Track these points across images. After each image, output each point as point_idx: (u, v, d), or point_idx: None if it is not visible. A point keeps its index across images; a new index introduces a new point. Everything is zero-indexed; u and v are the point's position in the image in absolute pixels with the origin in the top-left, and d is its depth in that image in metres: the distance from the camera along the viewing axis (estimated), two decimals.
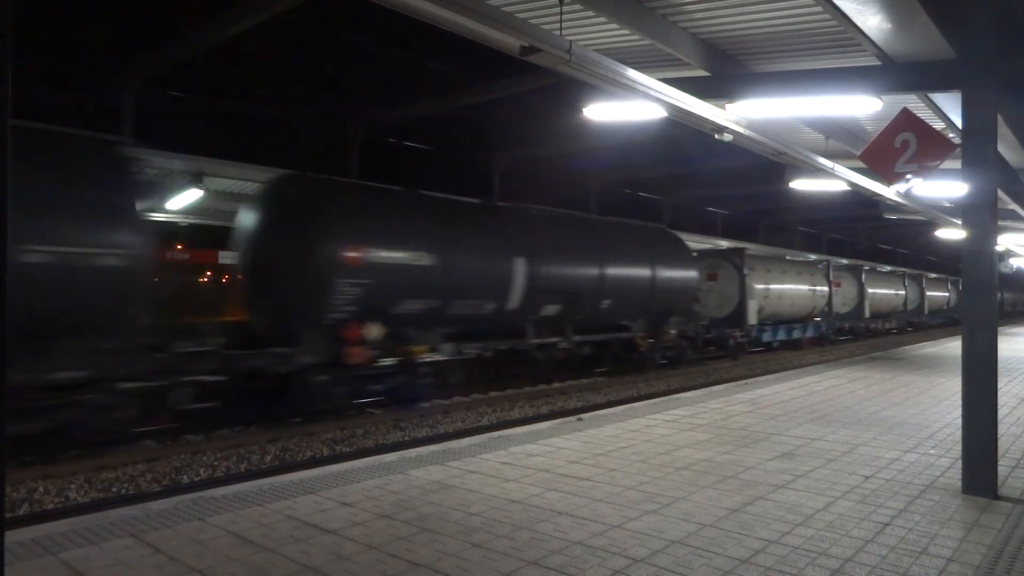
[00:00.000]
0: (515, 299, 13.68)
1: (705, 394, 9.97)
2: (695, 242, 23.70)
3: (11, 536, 4.01)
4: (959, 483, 5.16)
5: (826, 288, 27.44)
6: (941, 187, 11.07)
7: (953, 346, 19.19)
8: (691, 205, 30.95)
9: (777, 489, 5.08)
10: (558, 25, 5.79)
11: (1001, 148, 9.52)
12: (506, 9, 5.69)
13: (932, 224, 20.04)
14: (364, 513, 4.52)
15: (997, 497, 4.96)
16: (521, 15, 5.76)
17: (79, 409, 8.14)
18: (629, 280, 16.73)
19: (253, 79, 16.22)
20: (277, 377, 10.35)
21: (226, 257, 13.78)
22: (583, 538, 4.05)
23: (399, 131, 20.35)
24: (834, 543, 3.99)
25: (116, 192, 8.30)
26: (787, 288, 24.53)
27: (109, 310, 8.17)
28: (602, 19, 5.99)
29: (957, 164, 5.79)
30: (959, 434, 5.33)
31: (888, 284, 35.52)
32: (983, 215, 5.22)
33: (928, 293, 41.00)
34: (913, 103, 7.64)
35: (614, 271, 16.22)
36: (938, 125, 8.20)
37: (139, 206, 8.47)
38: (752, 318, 22.03)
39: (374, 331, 11.12)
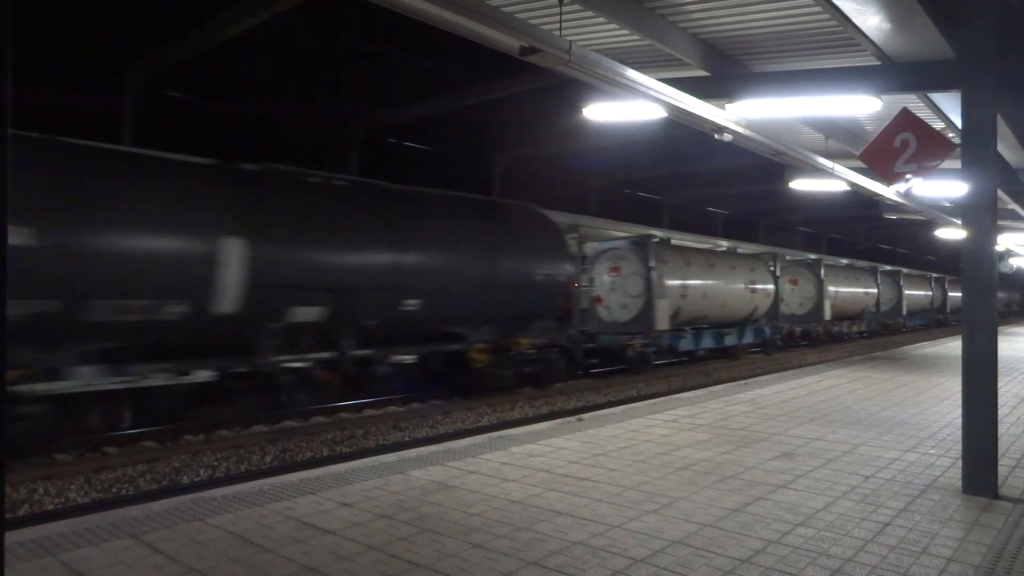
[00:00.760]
0: (229, 298, 9.56)
1: (705, 394, 9.97)
2: (613, 228, 20.13)
3: (11, 536, 4.01)
4: (959, 483, 5.16)
5: (771, 285, 23.07)
6: (941, 187, 11.07)
7: (953, 346, 19.19)
8: (691, 205, 30.96)
9: (777, 489, 5.08)
10: (558, 25, 5.79)
11: (1001, 148, 9.52)
12: (506, 9, 5.69)
13: (926, 223, 20.05)
14: (364, 513, 4.52)
15: (997, 497, 4.96)
16: (521, 15, 5.76)
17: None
18: (452, 273, 12.52)
19: (253, 79, 16.22)
20: None
21: None
22: (583, 538, 4.05)
23: (399, 131, 20.35)
24: (834, 543, 3.99)
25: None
26: (714, 285, 20.18)
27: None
28: (602, 19, 5.99)
29: (957, 164, 5.79)
30: (959, 434, 5.33)
31: (856, 281, 31.17)
32: (983, 215, 5.22)
33: (907, 292, 36.97)
34: (913, 103, 7.65)
35: (424, 260, 11.98)
36: (938, 125, 8.20)
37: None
38: (662, 322, 17.86)
39: None
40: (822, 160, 9.56)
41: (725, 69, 6.84)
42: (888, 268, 36.26)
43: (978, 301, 5.21)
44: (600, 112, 7.00)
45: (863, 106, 6.60)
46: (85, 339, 8.58)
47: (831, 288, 27.75)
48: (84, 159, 8.80)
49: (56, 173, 8.37)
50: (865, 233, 42.32)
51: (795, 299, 26.63)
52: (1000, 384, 5.27)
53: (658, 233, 20.32)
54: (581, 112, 7.21)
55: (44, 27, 12.32)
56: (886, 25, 5.64)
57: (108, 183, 8.80)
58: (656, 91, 6.06)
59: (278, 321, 10.28)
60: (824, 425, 7.56)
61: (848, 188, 11.35)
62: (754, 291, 21.94)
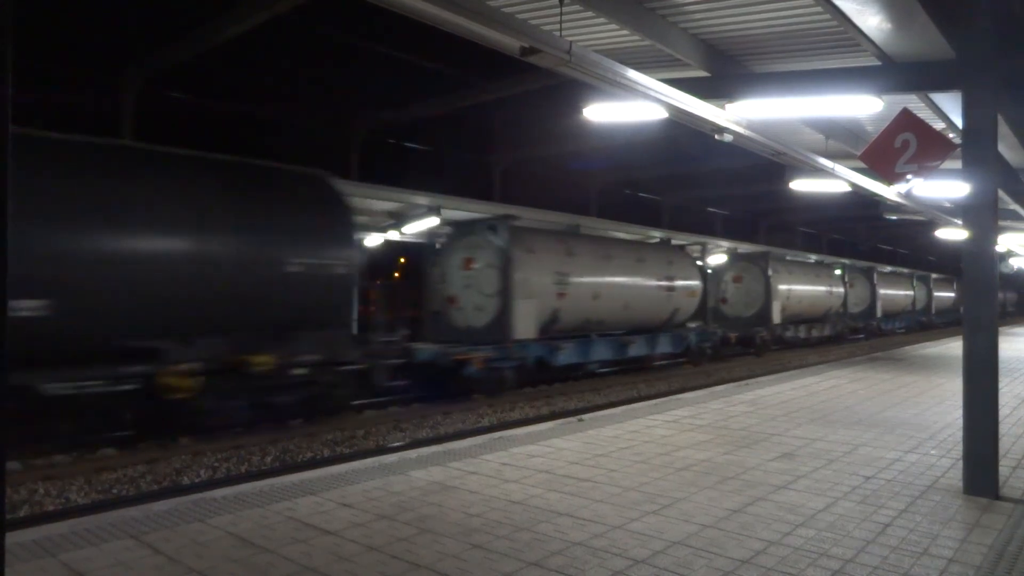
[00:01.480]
0: None
1: (706, 395, 9.96)
2: (473, 209, 14.66)
3: (12, 537, 4.00)
4: (960, 483, 5.16)
5: (695, 282, 19.62)
6: (942, 187, 11.06)
7: (954, 346, 19.18)
8: (691, 205, 30.96)
9: (778, 490, 5.07)
10: (558, 26, 5.79)
11: (1001, 148, 9.51)
12: (506, 10, 5.68)
13: (915, 222, 19.98)
14: (365, 514, 4.51)
15: (998, 497, 4.95)
16: (521, 16, 5.76)
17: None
18: (119, 260, 8.70)
19: (254, 79, 16.23)
20: None
21: None
22: (584, 539, 4.04)
23: (399, 131, 20.37)
24: (835, 544, 3.98)
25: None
26: (611, 282, 16.07)
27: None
28: (602, 20, 5.99)
29: (958, 164, 5.79)
30: (960, 434, 5.33)
31: (817, 279, 27.20)
32: (984, 215, 5.22)
33: (883, 292, 33.60)
34: (913, 103, 7.64)
35: (58, 241, 8.20)
36: (938, 125, 8.19)
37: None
38: (524, 328, 13.59)
39: None
40: (822, 160, 9.55)
41: (725, 69, 6.83)
42: (860, 264, 32.79)
43: (979, 301, 5.21)
44: (600, 112, 7.00)
45: (864, 106, 6.59)
46: None
47: (782, 286, 23.84)
48: None
49: None
50: (865, 233, 42.10)
51: (739, 299, 23.18)
52: (1001, 385, 5.26)
53: (520, 212, 14.84)
54: (581, 113, 7.20)
55: (44, 27, 12.32)
56: (886, 25, 5.64)
57: None
58: (656, 91, 6.05)
59: None
60: (825, 426, 7.55)
61: (849, 188, 11.33)
62: (671, 289, 18.08)
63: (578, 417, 8.05)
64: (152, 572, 3.57)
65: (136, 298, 8.84)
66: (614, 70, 5.55)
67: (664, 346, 18.73)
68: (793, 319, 25.35)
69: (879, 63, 6.39)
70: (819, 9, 5.53)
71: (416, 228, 13.98)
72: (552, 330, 14.76)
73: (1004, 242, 19.45)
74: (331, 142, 18.62)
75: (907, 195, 12.30)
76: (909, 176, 5.98)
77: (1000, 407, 5.26)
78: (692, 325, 20.24)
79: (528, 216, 15.21)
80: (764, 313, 23.08)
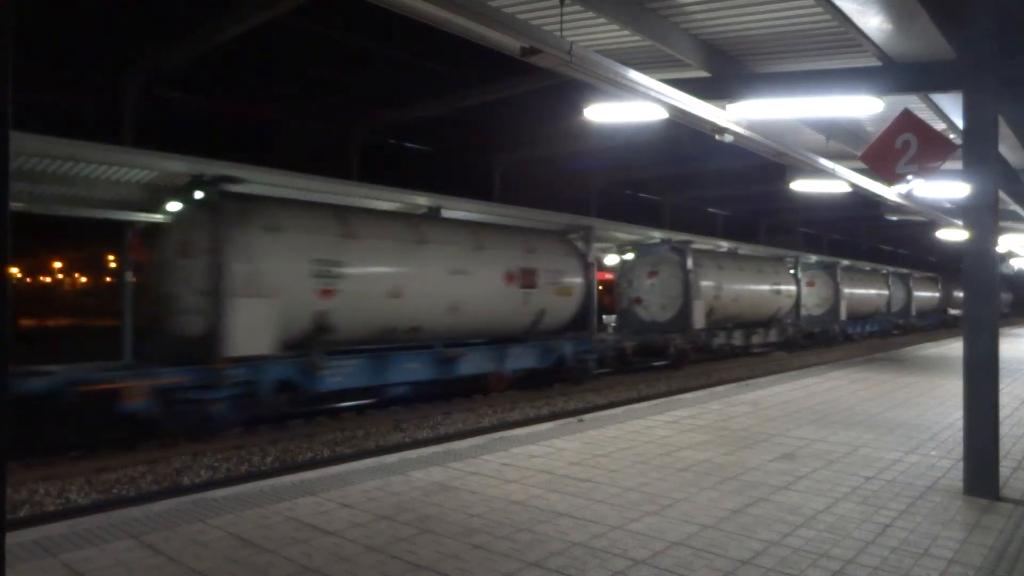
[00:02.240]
0: None
1: (706, 395, 9.96)
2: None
3: (12, 537, 4.00)
4: (961, 484, 5.15)
5: (577, 279, 15.21)
6: (942, 188, 11.06)
7: (955, 347, 19.18)
8: (692, 206, 30.96)
9: (778, 490, 5.07)
10: (559, 26, 5.79)
11: (1002, 149, 9.51)
12: (506, 10, 5.68)
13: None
14: (365, 514, 4.51)
15: (999, 498, 4.95)
16: (521, 16, 5.76)
17: None
18: None
19: (254, 80, 16.24)
20: None
21: None
22: (584, 539, 4.04)
23: (400, 132, 20.38)
24: (835, 544, 3.98)
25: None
26: (407, 271, 11.72)
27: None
28: (603, 20, 5.99)
29: (958, 164, 5.79)
30: (960, 435, 5.32)
31: (759, 276, 22.62)
32: (984, 216, 5.22)
33: (849, 291, 28.99)
34: (914, 104, 7.64)
35: None
36: (939, 126, 8.19)
37: None
38: (249, 342, 9.71)
39: None
40: (823, 161, 9.55)
41: (726, 70, 6.83)
42: (816, 259, 28.00)
43: (979, 302, 5.21)
44: (601, 113, 7.00)
45: (864, 107, 6.59)
46: None
47: (708, 283, 19.57)
48: None
49: None
50: (867, 233, 42.08)
51: (654, 300, 18.81)
52: (1001, 385, 5.26)
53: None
54: (582, 113, 7.20)
55: (45, 28, 12.32)
56: (887, 26, 5.64)
57: None
58: (657, 92, 6.05)
59: None
60: (825, 426, 7.55)
61: (849, 189, 11.34)
62: (528, 294, 13.90)
63: (578, 417, 8.05)
64: (152, 572, 3.57)
65: None
66: (615, 70, 5.55)
67: (515, 361, 14.18)
68: (725, 322, 20.83)
69: (880, 63, 6.39)
70: (820, 9, 5.53)
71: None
72: (341, 336, 11.17)
73: (1004, 243, 19.46)
74: (331, 142, 18.64)
75: (907, 196, 12.30)
76: (909, 177, 5.98)
77: (1000, 408, 5.25)
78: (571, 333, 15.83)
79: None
80: (683, 316, 18.44)
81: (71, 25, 13.00)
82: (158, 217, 10.38)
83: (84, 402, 8.71)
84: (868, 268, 33.42)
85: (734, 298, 21.10)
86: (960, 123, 5.96)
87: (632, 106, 6.58)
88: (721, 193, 28.82)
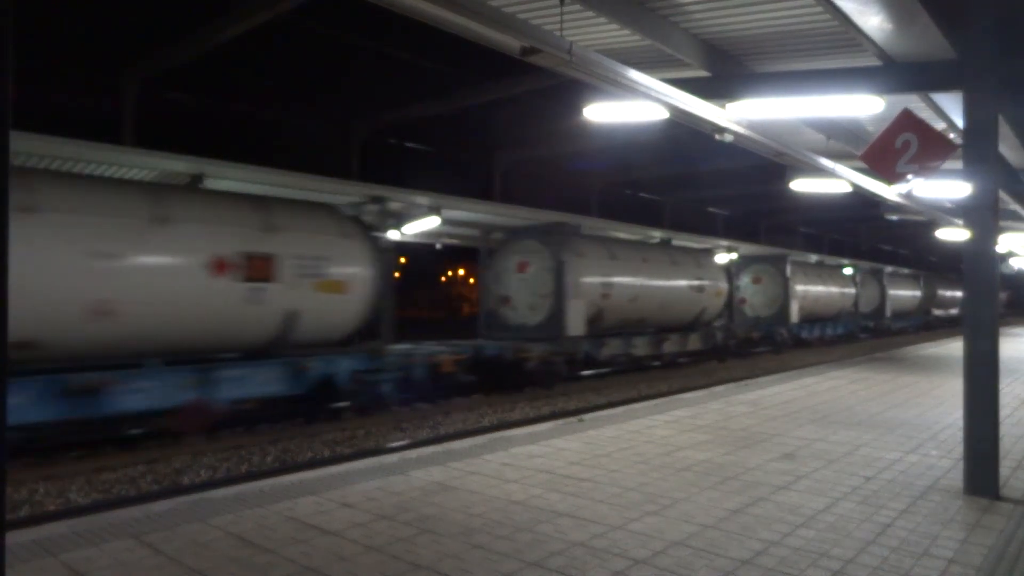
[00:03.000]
0: None
1: (706, 395, 9.96)
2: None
3: (12, 537, 4.00)
4: (961, 484, 5.15)
5: (361, 269, 11.42)
6: (942, 188, 11.06)
7: (955, 347, 19.17)
8: (692, 206, 30.95)
9: (778, 490, 5.07)
10: (559, 26, 5.78)
11: (1002, 148, 9.51)
12: (506, 9, 5.68)
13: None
14: (365, 514, 4.51)
15: (999, 498, 4.95)
16: (521, 16, 5.76)
17: None
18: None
19: (254, 79, 16.23)
20: None
21: None
22: (584, 539, 4.04)
23: (400, 131, 20.37)
24: (836, 544, 3.98)
25: None
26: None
27: None
28: (603, 19, 5.99)
29: (958, 164, 5.78)
30: (961, 435, 5.32)
31: (661, 272, 18.22)
32: (984, 215, 5.21)
33: (802, 288, 25.41)
34: (914, 103, 7.64)
35: None
36: (939, 125, 8.18)
37: None
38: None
39: None
40: (823, 160, 9.55)
41: (726, 69, 6.83)
42: (755, 251, 23.78)
43: (980, 302, 5.20)
44: (601, 113, 7.00)
45: (864, 107, 6.59)
46: None
47: (591, 280, 15.58)
48: None
49: None
50: (868, 233, 41.70)
51: (522, 300, 15.41)
52: (1001, 385, 5.26)
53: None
54: (582, 113, 7.20)
55: (45, 27, 12.32)
56: (887, 25, 5.64)
57: None
58: (657, 91, 6.05)
59: None
60: (825, 426, 7.55)
61: (850, 189, 11.33)
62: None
63: (578, 417, 8.04)
64: (152, 572, 3.57)
65: None
66: (615, 70, 5.55)
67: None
68: (617, 328, 17.43)
69: (880, 63, 6.38)
70: (820, 9, 5.53)
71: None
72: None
73: (1005, 243, 19.46)
74: (331, 142, 18.63)
75: (907, 195, 12.30)
76: (910, 176, 5.98)
77: (1000, 407, 5.25)
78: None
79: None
80: (554, 321, 15.00)
81: (71, 25, 12.99)
82: None
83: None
84: (822, 262, 29.31)
85: (632, 300, 17.14)
86: (960, 122, 5.95)
87: (632, 106, 6.58)
88: (721, 193, 28.78)
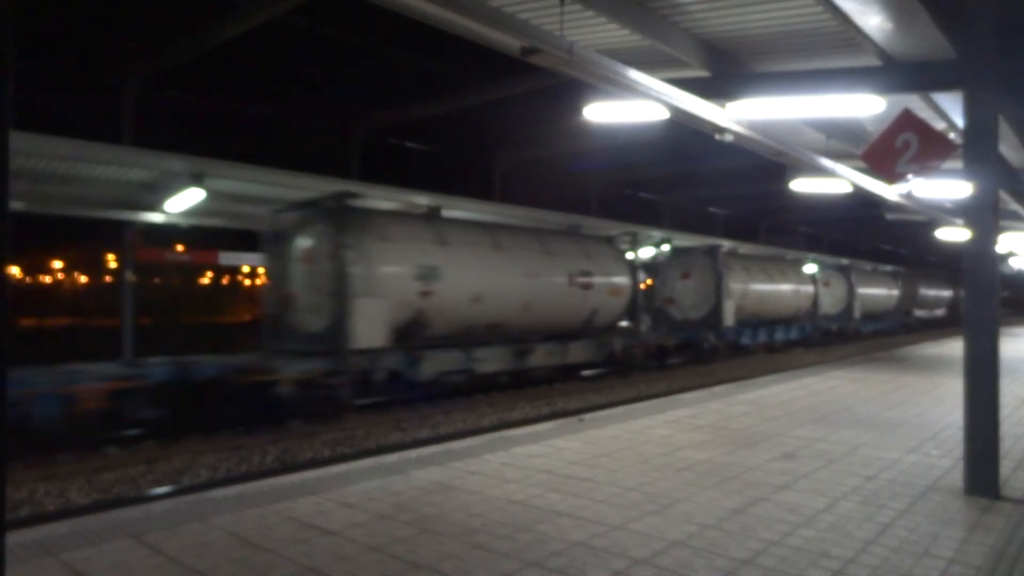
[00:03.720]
0: None
1: (706, 395, 9.96)
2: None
3: (12, 537, 4.00)
4: (961, 484, 5.15)
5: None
6: (942, 187, 11.06)
7: (955, 347, 19.17)
8: (692, 205, 30.95)
9: (779, 490, 5.07)
10: (559, 25, 5.78)
11: (1002, 148, 9.50)
12: (506, 9, 5.68)
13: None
14: (365, 514, 4.51)
15: (999, 498, 4.95)
16: (521, 16, 5.75)
17: None
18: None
19: (254, 80, 16.24)
20: None
21: None
22: (584, 539, 4.04)
23: (400, 132, 20.37)
24: (836, 544, 3.98)
25: None
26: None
27: None
28: (603, 19, 5.98)
29: (958, 164, 5.78)
30: (961, 435, 5.32)
31: (549, 267, 14.68)
32: (985, 215, 5.21)
33: (736, 286, 21.15)
34: (914, 103, 7.63)
35: None
36: (939, 125, 8.18)
37: None
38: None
39: None
40: (823, 160, 9.55)
41: (726, 69, 6.83)
42: (687, 244, 20.11)
43: (980, 302, 5.20)
44: (601, 112, 7.00)
45: (864, 106, 6.59)
46: None
47: (395, 270, 11.90)
48: None
49: None
50: (869, 234, 41.42)
51: (306, 300, 11.92)
52: (1001, 385, 5.26)
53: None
54: (582, 113, 7.20)
55: (45, 27, 12.32)
56: (887, 25, 5.63)
57: None
58: (657, 91, 6.05)
59: None
60: (826, 426, 7.55)
61: (851, 189, 11.33)
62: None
63: (579, 417, 8.04)
64: (152, 572, 3.57)
65: None
66: (615, 70, 5.55)
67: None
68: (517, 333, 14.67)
69: (880, 63, 6.38)
70: (820, 9, 5.52)
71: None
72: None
73: (1005, 243, 19.45)
74: (331, 142, 18.64)
75: (907, 195, 12.30)
76: (910, 176, 5.98)
77: (1000, 407, 5.25)
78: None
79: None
80: (417, 326, 12.33)
81: (71, 25, 12.99)
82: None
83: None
84: (773, 256, 25.30)
85: (473, 297, 13.42)
86: (960, 122, 5.95)
87: (632, 106, 6.58)
88: (721, 193, 28.76)
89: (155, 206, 10.79)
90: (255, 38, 12.72)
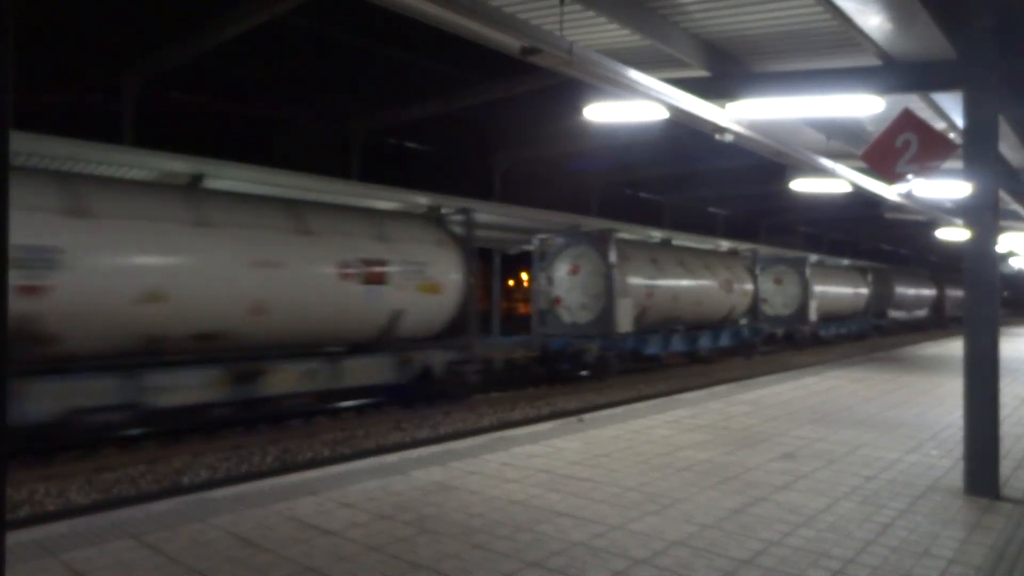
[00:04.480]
0: None
1: (706, 395, 9.96)
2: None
3: (12, 537, 4.00)
4: (961, 484, 5.15)
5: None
6: (942, 187, 11.06)
7: (955, 347, 19.18)
8: (692, 205, 30.95)
9: (779, 490, 5.07)
10: (559, 25, 5.78)
11: (1002, 148, 9.50)
12: (506, 9, 5.68)
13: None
14: (365, 514, 4.51)
15: (999, 498, 4.95)
16: (521, 16, 5.75)
17: None
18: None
19: (253, 80, 16.23)
20: None
21: None
22: (584, 539, 4.04)
23: (400, 132, 20.36)
24: (836, 544, 3.98)
25: None
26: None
27: None
28: (603, 19, 5.98)
29: (958, 164, 5.78)
30: (961, 435, 5.32)
31: (419, 257, 12.01)
32: (985, 215, 5.21)
33: (638, 282, 16.81)
34: (914, 103, 7.63)
35: None
36: (939, 125, 8.18)
37: None
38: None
39: None
40: (823, 160, 9.55)
41: (726, 69, 6.83)
42: (590, 230, 16.48)
43: (980, 302, 5.20)
44: (601, 113, 7.00)
45: (864, 106, 6.59)
46: None
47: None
48: None
49: None
50: (869, 234, 41.25)
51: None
52: (1001, 385, 5.26)
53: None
54: (582, 113, 7.20)
55: (45, 27, 12.32)
56: (887, 25, 5.63)
57: None
58: (657, 91, 6.05)
59: None
60: (826, 426, 7.55)
61: (850, 189, 11.34)
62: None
63: (578, 417, 8.04)
64: (152, 572, 3.57)
65: None
66: (615, 70, 5.56)
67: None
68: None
69: (880, 63, 6.38)
70: (820, 9, 5.52)
71: None
72: None
73: (1005, 243, 19.44)
74: (331, 142, 18.63)
75: (907, 195, 12.30)
76: (910, 176, 5.98)
77: (1000, 407, 5.25)
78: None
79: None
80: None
81: (71, 25, 12.99)
82: None
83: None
84: (696, 249, 21.12)
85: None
86: (960, 122, 5.95)
87: (632, 106, 6.59)
88: (721, 192, 28.74)
89: None
90: (255, 38, 12.72)
